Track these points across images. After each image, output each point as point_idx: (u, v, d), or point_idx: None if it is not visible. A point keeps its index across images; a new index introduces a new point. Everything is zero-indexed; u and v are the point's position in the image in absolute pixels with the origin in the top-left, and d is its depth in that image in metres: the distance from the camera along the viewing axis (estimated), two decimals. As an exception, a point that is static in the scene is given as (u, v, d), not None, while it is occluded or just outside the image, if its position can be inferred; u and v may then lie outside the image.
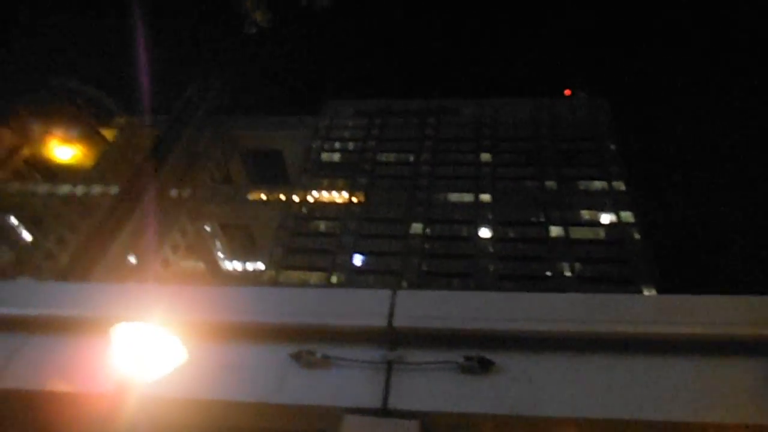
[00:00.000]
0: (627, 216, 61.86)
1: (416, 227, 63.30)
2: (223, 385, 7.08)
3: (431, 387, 7.21)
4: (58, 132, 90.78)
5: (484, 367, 7.37)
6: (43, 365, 7.65)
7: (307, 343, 7.46)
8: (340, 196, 68.83)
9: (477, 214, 63.74)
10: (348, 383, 7.17)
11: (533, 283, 52.31)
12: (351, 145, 75.83)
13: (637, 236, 58.57)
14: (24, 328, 8.07)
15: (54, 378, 7.40)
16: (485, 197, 66.17)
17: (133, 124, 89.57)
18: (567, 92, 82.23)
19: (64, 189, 77.75)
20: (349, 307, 7.85)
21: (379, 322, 7.48)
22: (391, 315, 7.61)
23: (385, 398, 7.07)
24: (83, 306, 8.11)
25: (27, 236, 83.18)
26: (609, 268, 55.45)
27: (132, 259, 65.93)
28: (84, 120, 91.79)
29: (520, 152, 71.44)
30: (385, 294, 8.04)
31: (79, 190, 76.94)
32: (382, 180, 69.89)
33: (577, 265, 56.70)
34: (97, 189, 76.08)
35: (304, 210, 67.42)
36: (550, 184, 66.52)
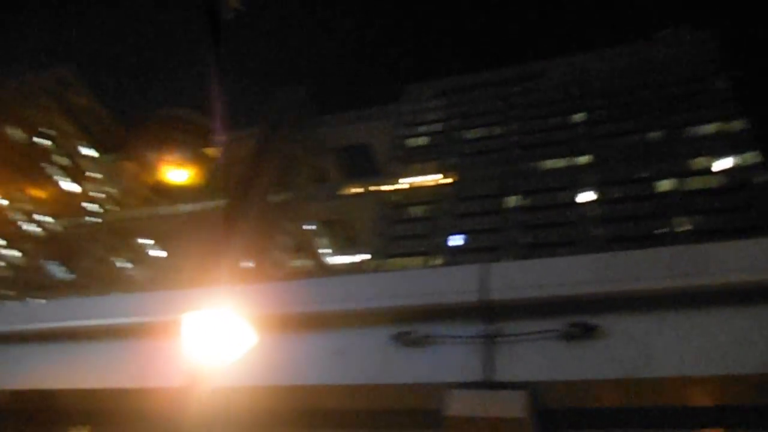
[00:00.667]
0: (750, 157, 55.47)
1: (512, 200, 61.51)
2: (330, 370, 7.50)
3: (535, 357, 7.13)
4: (171, 158, 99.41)
5: (589, 332, 7.14)
6: (150, 365, 8.48)
7: (406, 323, 7.67)
8: (431, 180, 68.67)
9: (576, 178, 60.55)
10: (450, 359, 7.29)
11: (645, 243, 48.78)
12: (436, 127, 75.10)
13: (763, 178, 52.24)
14: (130, 333, 8.96)
15: (160, 375, 8.14)
16: (583, 159, 62.59)
17: (234, 141, 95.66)
18: (663, 32, 75.10)
19: (183, 208, 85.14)
20: (444, 286, 7.94)
21: (473, 297, 7.51)
22: (485, 289, 7.61)
23: (489, 371, 7.10)
24: (170, 310, 8.76)
25: (158, 254, 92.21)
26: (730, 217, 49.99)
27: (247, 265, 70.65)
28: (190, 143, 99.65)
29: (618, 106, 66.41)
30: (477, 269, 8.04)
31: (196, 207, 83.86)
32: (471, 157, 68.60)
33: (693, 219, 51.88)
34: (210, 204, 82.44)
35: (397, 198, 68.12)
36: (655, 135, 61.33)
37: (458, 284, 7.85)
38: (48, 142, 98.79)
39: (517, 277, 7.82)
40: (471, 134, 71.73)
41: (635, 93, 67.08)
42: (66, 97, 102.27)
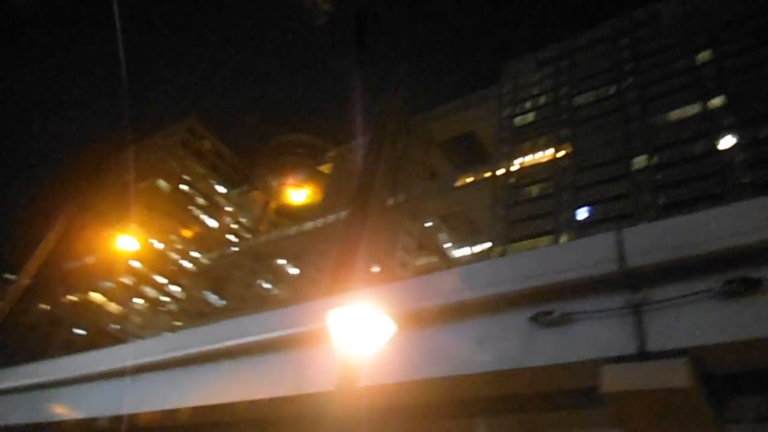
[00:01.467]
0: None
1: (639, 161, 56.54)
2: (472, 359, 7.52)
3: (691, 321, 6.62)
4: (290, 181, 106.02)
5: (751, 287, 6.46)
6: (306, 372, 9.00)
7: (545, 303, 7.46)
8: (545, 155, 65.56)
9: (711, 124, 54.14)
10: (596, 335, 6.97)
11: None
12: (542, 99, 71.49)
13: None
14: (285, 345, 9.63)
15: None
16: (716, 102, 55.80)
17: (342, 153, 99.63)
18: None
19: (308, 226, 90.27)
20: (579, 259, 7.61)
21: (610, 267, 7.13)
22: (621, 257, 7.18)
23: (642, 342, 6.69)
24: (311, 320, 9.14)
25: (294, 271, 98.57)
26: None
27: (375, 269, 72.91)
28: (306, 164, 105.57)
29: (749, 35, 58.38)
30: (611, 236, 7.61)
31: (319, 222, 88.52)
32: (586, 124, 64.35)
33: None
34: (331, 218, 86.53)
35: (512, 180, 65.96)
36: (803, 57, 53.01)
37: (594, 256, 7.48)
38: (187, 188, 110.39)
39: (657, 239, 7.29)
40: (583, 99, 67.36)
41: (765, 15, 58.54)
42: (195, 144, 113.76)
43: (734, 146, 51.58)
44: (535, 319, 7.42)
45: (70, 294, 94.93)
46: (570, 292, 7.45)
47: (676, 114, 58.00)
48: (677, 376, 6.05)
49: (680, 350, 6.45)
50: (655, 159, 55.58)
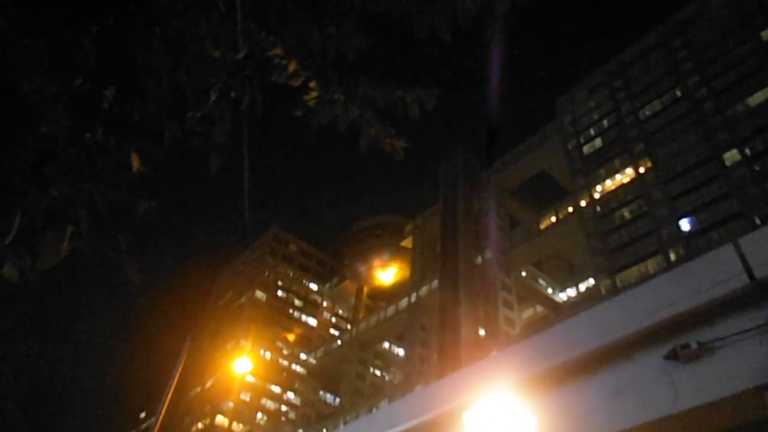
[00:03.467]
0: None
1: (731, 155, 52.67)
2: (612, 416, 6.96)
3: None
4: (376, 263, 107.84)
5: None
6: None
7: (676, 337, 6.91)
8: (625, 176, 62.74)
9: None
10: (745, 359, 6.31)
11: None
12: (605, 123, 69.69)
13: None
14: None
15: None
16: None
17: (419, 225, 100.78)
18: None
19: (403, 303, 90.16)
20: (702, 281, 7.06)
21: (738, 282, 6.53)
22: (748, 269, 6.59)
23: (802, 358, 5.97)
24: (439, 402, 8.99)
25: (400, 352, 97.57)
26: None
27: (482, 332, 70.70)
28: (387, 243, 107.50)
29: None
30: (729, 250, 7.04)
31: (413, 297, 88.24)
32: (659, 134, 61.50)
33: None
34: (423, 290, 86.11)
35: (598, 208, 63.22)
36: None
37: (717, 274, 6.92)
38: (283, 293, 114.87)
39: (782, 241, 6.66)
40: (648, 110, 64.87)
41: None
42: (282, 250, 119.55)
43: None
44: (672, 356, 6.84)
45: (197, 422, 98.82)
46: (702, 318, 6.88)
47: (756, 98, 54.22)
48: None
49: None
50: (748, 150, 51.59)
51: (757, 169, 49.84)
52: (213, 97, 2.65)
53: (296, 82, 2.95)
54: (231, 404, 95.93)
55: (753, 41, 57.86)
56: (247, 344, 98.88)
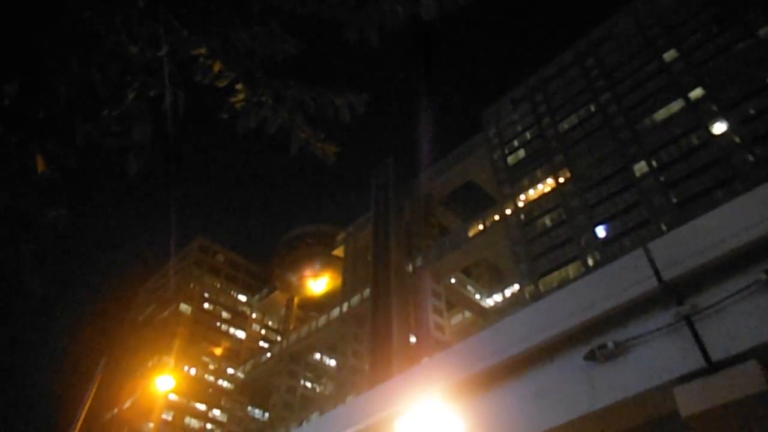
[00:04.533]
0: None
1: (640, 167, 56.84)
2: (536, 416, 7.19)
3: (747, 319, 6.39)
4: (308, 273, 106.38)
5: (797, 269, 6.29)
6: None
7: (594, 339, 7.25)
8: (546, 185, 66.05)
9: (698, 115, 54.88)
10: (657, 357, 6.72)
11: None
12: (528, 135, 73.14)
13: None
14: None
15: None
16: (696, 93, 56.83)
17: (351, 234, 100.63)
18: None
19: (334, 313, 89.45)
20: (613, 286, 7.47)
21: (648, 285, 6.98)
22: (656, 272, 7.06)
23: (705, 354, 6.44)
24: (371, 412, 8.98)
25: (332, 362, 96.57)
26: None
27: (413, 338, 71.46)
28: (318, 252, 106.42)
29: (707, 24, 60.16)
30: (639, 254, 7.50)
31: (345, 307, 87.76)
32: (576, 146, 65.35)
33: None
34: (355, 299, 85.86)
35: (522, 217, 66.05)
36: (765, 31, 54.27)
37: (629, 277, 7.34)
38: (209, 305, 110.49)
39: (685, 245, 7.17)
40: (567, 124, 68.74)
41: (718, 3, 60.73)
42: (208, 260, 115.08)
43: (728, 130, 51.89)
44: (590, 356, 7.17)
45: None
46: (617, 319, 7.27)
47: (661, 114, 58.90)
48: (752, 381, 5.78)
49: (747, 352, 6.20)
50: (654, 162, 55.83)
51: (663, 179, 54.03)
52: (131, 96, 2.47)
53: (222, 83, 2.82)
54: (151, 425, 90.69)
55: (657, 61, 62.92)
56: (169, 360, 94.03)
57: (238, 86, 2.88)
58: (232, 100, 2.89)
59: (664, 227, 49.92)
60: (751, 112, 50.91)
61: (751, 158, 48.57)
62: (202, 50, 2.67)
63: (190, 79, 2.69)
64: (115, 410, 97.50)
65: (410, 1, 2.60)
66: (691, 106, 56.31)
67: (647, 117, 59.90)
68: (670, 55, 62.17)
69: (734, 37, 56.65)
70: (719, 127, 52.75)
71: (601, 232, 56.37)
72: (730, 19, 58.02)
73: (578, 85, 70.36)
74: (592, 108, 66.89)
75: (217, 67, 2.75)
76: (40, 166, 2.19)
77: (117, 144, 2.40)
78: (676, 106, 57.87)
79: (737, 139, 50.68)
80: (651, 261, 7.18)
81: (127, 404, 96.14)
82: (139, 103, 2.49)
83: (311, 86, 2.89)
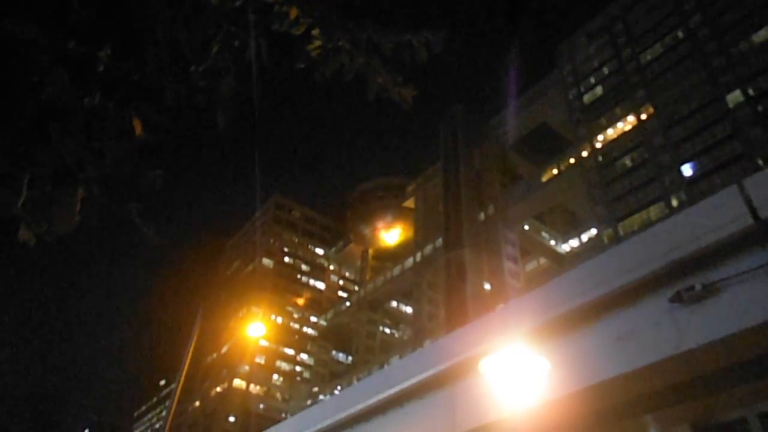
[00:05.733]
0: None
1: (734, 96, 51.80)
2: (615, 360, 7.10)
3: None
4: (380, 225, 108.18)
5: None
6: (466, 407, 8.91)
7: (681, 281, 6.95)
8: (627, 123, 61.99)
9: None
10: (750, 298, 6.37)
11: None
12: (605, 70, 68.32)
13: None
14: (438, 383, 9.58)
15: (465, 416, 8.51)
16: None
17: (420, 184, 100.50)
18: None
19: (408, 263, 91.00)
20: (704, 224, 7.05)
21: (743, 223, 6.54)
22: (752, 209, 6.58)
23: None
24: (453, 354, 9.13)
25: (408, 310, 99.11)
26: None
27: (487, 286, 71.51)
28: (390, 204, 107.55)
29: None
30: (733, 191, 7.01)
31: (418, 257, 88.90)
32: (661, 78, 60.35)
33: None
34: (428, 249, 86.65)
35: (600, 158, 62.78)
36: None
37: (722, 216, 6.91)
38: (289, 259, 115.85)
39: (786, 180, 6.63)
40: (650, 55, 63.48)
41: None
42: (285, 217, 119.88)
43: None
44: (677, 299, 6.92)
45: (216, 386, 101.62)
46: (706, 260, 6.91)
47: (760, 36, 52.90)
48: None
49: None
50: (751, 90, 50.70)
51: (761, 109, 49.12)
52: (215, 49, 2.54)
53: (299, 30, 2.79)
54: (247, 368, 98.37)
55: (756, -23, 56.08)
56: (258, 310, 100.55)
57: (314, 32, 2.84)
58: (309, 47, 2.85)
59: (760, 162, 45.79)
60: None
61: None
62: None
63: (267, 29, 2.70)
64: (215, 355, 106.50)
65: None
66: (797, 24, 50.16)
67: (743, 40, 54.03)
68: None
69: None
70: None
71: (687, 170, 52.62)
72: None
73: (664, 10, 64.26)
74: (680, 34, 61.12)
75: (293, 14, 2.71)
76: (137, 129, 2.35)
77: (205, 99, 2.50)
78: (778, 26, 51.79)
79: None
80: (747, 198, 6.70)
81: (224, 349, 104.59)
82: (223, 55, 2.55)
83: (386, 26, 2.81)
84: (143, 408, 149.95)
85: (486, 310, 56.04)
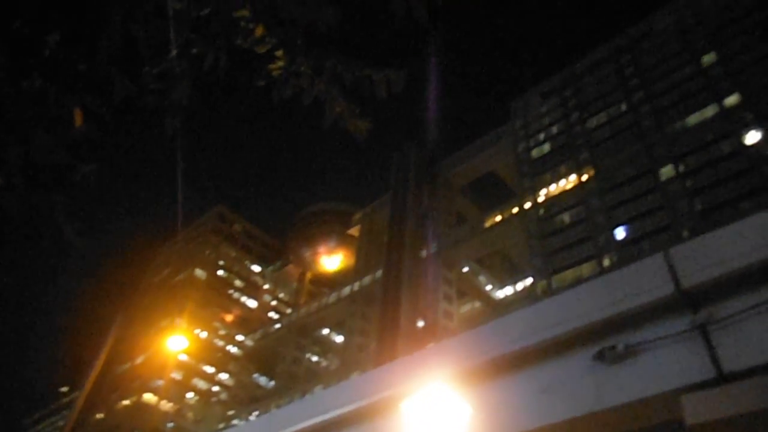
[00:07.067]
0: None
1: (666, 171, 55.65)
2: (538, 411, 7.22)
3: (763, 335, 6.29)
4: (322, 249, 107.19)
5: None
6: None
7: (605, 339, 7.21)
8: (569, 182, 65.15)
9: (731, 123, 53.37)
10: (667, 363, 6.67)
11: None
12: (554, 129, 71.93)
13: None
14: (352, 421, 9.38)
15: None
16: (731, 100, 55.19)
17: (368, 214, 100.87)
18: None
19: (345, 291, 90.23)
20: (632, 286, 7.39)
21: (665, 290, 6.89)
22: (675, 278, 6.96)
23: (717, 364, 6.37)
24: (376, 390, 9.06)
25: (339, 339, 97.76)
26: None
27: (421, 323, 71.79)
28: (334, 230, 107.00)
29: (750, 29, 58.26)
30: (659, 259, 7.40)
31: (356, 286, 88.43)
32: (603, 144, 64.15)
33: None
34: (366, 279, 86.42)
35: (541, 211, 65.38)
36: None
37: (647, 281, 7.26)
38: (224, 272, 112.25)
39: (707, 253, 7.05)
40: (595, 121, 67.46)
41: (764, 9, 58.57)
42: (226, 229, 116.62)
43: (761, 140, 50.48)
44: (599, 357, 7.15)
45: (124, 398, 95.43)
46: (630, 322, 7.21)
47: (693, 118, 57.41)
48: (763, 395, 5.71)
49: (756, 368, 6.13)
50: (682, 167, 54.62)
51: (689, 185, 52.87)
52: (173, 53, 2.45)
53: (262, 49, 2.78)
54: (161, 382, 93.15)
55: (694, 64, 61.17)
56: (182, 322, 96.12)
57: (278, 53, 2.83)
58: (271, 67, 2.83)
59: (685, 234, 49.03)
60: (789, 124, 49.44)
61: (783, 172, 47.32)
62: (246, 12, 2.63)
63: (231, 42, 2.66)
64: (128, 365, 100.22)
65: None
66: (726, 112, 54.77)
67: (679, 120, 58.46)
68: (708, 58, 60.36)
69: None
70: (753, 137, 51.30)
71: (620, 233, 55.59)
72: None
73: (611, 82, 68.81)
74: (623, 107, 65.43)
75: (259, 32, 2.70)
76: (78, 119, 2.20)
77: (155, 102, 2.40)
78: (710, 111, 56.34)
79: (770, 151, 49.33)
80: (671, 266, 7.08)
81: (140, 360, 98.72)
82: (180, 62, 2.48)
83: (350, 59, 2.84)
84: (36, 416, 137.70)
85: (417, 347, 56.08)
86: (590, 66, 73.39)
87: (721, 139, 53.52)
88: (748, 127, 51.98)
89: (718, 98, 56.25)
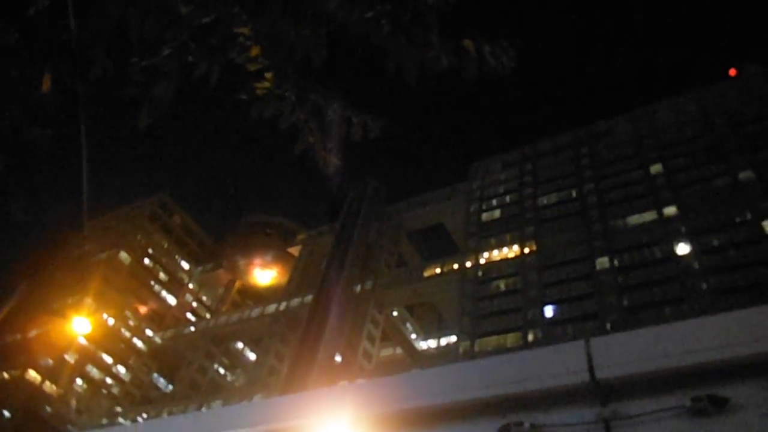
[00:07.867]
0: None
1: (602, 261, 58.46)
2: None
3: (660, 440, 6.54)
4: (257, 261, 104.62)
5: (718, 406, 6.50)
6: None
7: (514, 413, 7.31)
8: (511, 251, 67.18)
9: (666, 231, 57.05)
10: (566, 450, 6.80)
11: (757, 293, 43.92)
12: (508, 198, 74.60)
13: None
14: None
15: None
16: (670, 210, 59.16)
17: (312, 237, 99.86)
18: (732, 72, 72.34)
19: (271, 308, 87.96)
20: (549, 368, 7.57)
21: (580, 378, 7.11)
22: (591, 368, 7.20)
23: (612, 461, 6.55)
24: (279, 418, 8.83)
25: (252, 356, 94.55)
26: None
27: (339, 358, 70.70)
28: (274, 245, 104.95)
29: (696, 152, 63.38)
30: (580, 346, 7.64)
31: (282, 306, 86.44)
32: (549, 223, 66.93)
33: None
34: (295, 301, 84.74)
35: (480, 273, 66.81)
36: (745, 175, 57.26)
37: (564, 365, 7.45)
38: (150, 262, 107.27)
39: (626, 350, 7.35)
40: (546, 200, 70.42)
41: (714, 135, 63.90)
42: (164, 218, 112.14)
43: (690, 253, 53.99)
44: (505, 430, 7.22)
45: (3, 370, 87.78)
46: (541, 402, 7.34)
47: (634, 219, 60.97)
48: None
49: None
50: (617, 261, 57.50)
51: (620, 280, 55.61)
52: (165, 52, 2.42)
53: (253, 67, 2.81)
54: (50, 362, 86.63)
55: (643, 170, 65.57)
56: (91, 304, 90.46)
57: (267, 75, 2.86)
58: (257, 85, 2.86)
59: (608, 326, 51.19)
60: (715, 243, 53.20)
61: (704, 286, 50.53)
62: (246, 30, 2.66)
63: (224, 55, 2.67)
64: (18, 336, 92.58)
65: (456, 57, 2.67)
66: (663, 220, 58.53)
67: (621, 218, 61.92)
68: (656, 168, 64.84)
69: (717, 172, 59.66)
70: (683, 249, 54.87)
71: (549, 311, 57.41)
72: (718, 154, 61.19)
73: (567, 168, 72.48)
74: (574, 193, 68.82)
75: (254, 52, 2.73)
76: (46, 85, 2.11)
77: (135, 94, 2.34)
78: (649, 216, 60.06)
79: (696, 265, 52.77)
80: (589, 356, 7.33)
81: (33, 333, 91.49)
82: (171, 61, 2.44)
83: (335, 98, 2.91)
84: None
85: (329, 382, 54.92)
86: (552, 148, 77.16)
87: (655, 243, 56.89)
88: (680, 238, 55.55)
89: (659, 206, 60.08)
